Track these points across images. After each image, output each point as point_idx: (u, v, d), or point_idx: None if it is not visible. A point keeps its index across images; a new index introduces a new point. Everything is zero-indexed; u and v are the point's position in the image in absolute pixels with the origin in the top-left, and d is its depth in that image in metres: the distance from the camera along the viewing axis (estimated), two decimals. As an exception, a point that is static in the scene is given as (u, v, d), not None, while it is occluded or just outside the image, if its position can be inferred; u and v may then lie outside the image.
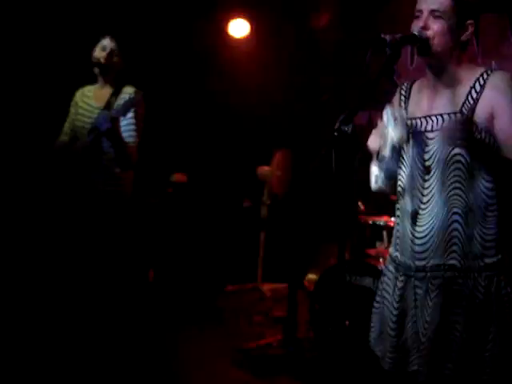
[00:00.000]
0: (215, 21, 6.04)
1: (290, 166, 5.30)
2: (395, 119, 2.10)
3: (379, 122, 2.16)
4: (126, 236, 3.45)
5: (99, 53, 3.41)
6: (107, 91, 3.46)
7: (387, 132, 2.11)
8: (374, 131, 2.24)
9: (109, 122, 3.18)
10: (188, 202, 5.64)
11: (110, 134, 3.23)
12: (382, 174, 2.24)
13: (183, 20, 5.82)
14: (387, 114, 2.12)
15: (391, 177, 2.27)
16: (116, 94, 3.42)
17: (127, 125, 3.36)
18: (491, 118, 2.07)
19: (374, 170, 2.27)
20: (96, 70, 3.45)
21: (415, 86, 2.32)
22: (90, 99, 3.51)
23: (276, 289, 5.42)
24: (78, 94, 3.59)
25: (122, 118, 3.27)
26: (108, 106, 3.39)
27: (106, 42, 3.42)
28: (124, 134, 3.33)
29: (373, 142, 2.24)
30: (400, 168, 2.26)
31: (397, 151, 2.16)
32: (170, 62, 5.35)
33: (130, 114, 3.32)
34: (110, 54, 3.41)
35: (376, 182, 2.27)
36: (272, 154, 5.53)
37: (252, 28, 6.12)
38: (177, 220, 5.49)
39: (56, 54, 4.70)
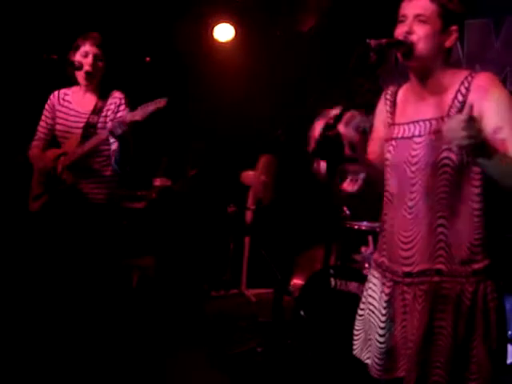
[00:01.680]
0: (200, 25, 6.03)
1: (275, 171, 5.29)
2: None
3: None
4: (111, 240, 3.42)
5: (82, 59, 3.33)
6: (91, 96, 3.41)
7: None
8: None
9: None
10: (172, 207, 5.61)
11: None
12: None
13: (168, 24, 5.81)
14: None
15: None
16: (103, 97, 3.39)
17: None
18: (479, 119, 2.05)
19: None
20: (80, 76, 3.37)
21: (401, 91, 2.31)
22: (71, 103, 3.45)
23: (261, 294, 5.41)
24: (54, 98, 3.50)
25: (111, 120, 3.28)
26: (97, 111, 3.35)
27: (88, 48, 3.34)
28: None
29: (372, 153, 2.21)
30: (387, 173, 2.25)
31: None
32: (154, 66, 5.31)
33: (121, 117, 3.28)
34: (95, 60, 3.35)
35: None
36: (257, 158, 5.51)
37: (237, 32, 6.11)
38: (160, 225, 5.46)
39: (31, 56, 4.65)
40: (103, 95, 3.40)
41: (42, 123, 3.52)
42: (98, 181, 3.36)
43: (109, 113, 3.36)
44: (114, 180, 3.44)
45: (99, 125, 3.34)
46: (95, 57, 3.33)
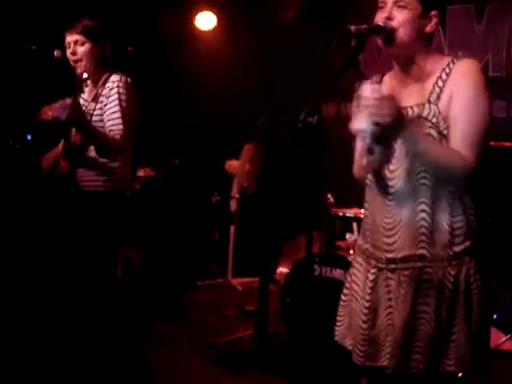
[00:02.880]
0: (182, 13, 6.00)
1: (259, 159, 5.28)
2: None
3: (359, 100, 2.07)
4: (105, 231, 3.35)
5: (67, 51, 3.30)
6: (93, 83, 3.36)
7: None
8: (353, 113, 2.16)
9: (67, 109, 3.06)
10: (156, 196, 5.60)
11: (74, 122, 3.12)
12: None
13: (151, 12, 5.77)
14: (367, 90, 2.00)
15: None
16: (104, 83, 3.31)
17: (111, 112, 3.20)
18: (450, 102, 2.06)
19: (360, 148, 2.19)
20: (76, 70, 3.33)
21: (385, 79, 2.30)
22: (84, 93, 3.42)
23: (246, 283, 5.42)
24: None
25: (105, 106, 3.18)
26: (94, 97, 3.29)
27: (68, 38, 3.29)
28: (108, 123, 3.18)
29: (356, 123, 2.15)
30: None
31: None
32: (136, 55, 5.27)
33: (113, 101, 3.19)
34: (75, 47, 3.30)
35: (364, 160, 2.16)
36: (241, 147, 5.51)
37: (219, 20, 6.09)
38: (144, 215, 5.44)
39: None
40: (104, 81, 3.28)
41: None
42: (95, 168, 3.30)
43: (103, 98, 3.23)
44: (116, 167, 3.36)
45: (95, 112, 3.25)
46: (75, 43, 3.28)
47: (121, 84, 3.21)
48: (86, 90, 3.42)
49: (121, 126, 3.17)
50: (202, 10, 6.09)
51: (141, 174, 5.50)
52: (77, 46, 3.28)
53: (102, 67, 3.32)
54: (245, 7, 6.02)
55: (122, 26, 5.37)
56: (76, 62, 3.28)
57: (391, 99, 1.96)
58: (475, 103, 2.06)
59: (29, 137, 4.58)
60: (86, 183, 3.28)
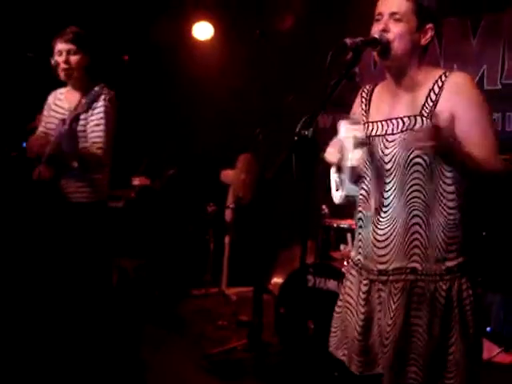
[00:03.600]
0: (179, 23, 6.01)
1: (255, 169, 5.29)
2: (354, 139, 2.08)
3: (336, 137, 2.15)
4: (92, 241, 3.39)
5: (57, 58, 3.35)
6: (77, 92, 3.40)
7: (345, 153, 2.09)
8: (330, 143, 2.22)
9: (66, 123, 3.12)
10: (151, 206, 5.59)
11: (67, 136, 3.16)
12: (345, 182, 2.19)
13: (147, 22, 5.79)
14: (344, 131, 2.10)
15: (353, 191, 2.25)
16: (87, 92, 3.34)
17: (95, 124, 3.29)
18: (452, 119, 2.07)
19: (335, 178, 2.24)
20: (60, 75, 3.38)
21: (377, 90, 2.32)
22: (63, 102, 3.47)
23: (241, 292, 5.41)
24: (51, 97, 3.55)
25: (90, 116, 3.24)
26: (78, 106, 3.32)
27: (60, 46, 3.34)
28: (91, 135, 3.27)
29: (330, 155, 2.20)
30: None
31: (356, 173, 2.14)
32: (133, 65, 5.30)
33: (99, 113, 3.28)
34: (67, 56, 3.34)
35: (338, 189, 2.23)
36: (236, 157, 5.51)
37: (216, 30, 6.11)
38: (140, 224, 5.43)
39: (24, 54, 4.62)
40: (88, 89, 3.35)
41: (41, 123, 3.55)
42: (79, 179, 3.33)
43: (85, 108, 3.25)
44: (101, 179, 3.41)
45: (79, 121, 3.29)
46: (68, 52, 3.33)
47: (107, 97, 3.30)
48: (64, 97, 3.46)
49: (103, 139, 3.28)
50: (198, 21, 6.11)
51: (136, 182, 5.50)
52: (70, 56, 3.33)
53: (88, 77, 3.41)
54: (242, 17, 6.04)
55: (118, 35, 5.40)
56: (67, 70, 3.33)
57: (438, 130, 1.94)
58: (481, 117, 2.09)
59: (24, 144, 4.57)
60: (71, 194, 3.33)
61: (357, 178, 2.16)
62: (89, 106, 3.15)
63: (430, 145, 1.91)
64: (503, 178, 2.10)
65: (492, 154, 2.06)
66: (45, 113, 3.54)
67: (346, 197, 2.19)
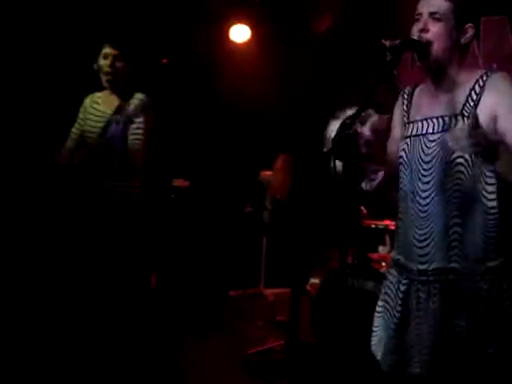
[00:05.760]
0: (217, 26, 6.05)
1: (292, 170, 5.30)
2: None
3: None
4: (133, 241, 3.46)
5: (102, 61, 3.44)
6: (116, 98, 3.49)
7: None
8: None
9: (119, 126, 3.24)
10: (190, 207, 5.64)
11: (118, 138, 3.26)
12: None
13: (184, 26, 5.83)
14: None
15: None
16: (126, 99, 3.45)
17: (135, 129, 3.40)
18: (493, 119, 2.06)
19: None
20: (103, 78, 3.47)
21: (417, 91, 2.32)
22: (100, 105, 3.55)
23: (279, 293, 5.41)
24: (88, 101, 3.62)
25: (130, 120, 3.35)
26: (119, 110, 3.42)
27: (108, 50, 3.44)
28: (130, 138, 3.37)
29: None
30: (401, 171, 2.26)
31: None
32: (173, 68, 5.35)
33: (140, 119, 3.38)
34: (113, 61, 3.43)
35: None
36: (274, 158, 5.52)
37: (253, 33, 6.13)
38: (179, 226, 5.48)
39: (65, 60, 4.71)
40: (127, 96, 3.46)
41: (75, 125, 3.62)
42: (119, 180, 3.42)
43: (130, 112, 3.42)
44: (136, 180, 3.50)
45: (118, 124, 3.39)
46: (114, 58, 3.42)
47: (149, 102, 3.45)
48: (102, 101, 3.55)
49: (142, 144, 3.40)
50: (235, 23, 6.14)
51: (175, 184, 5.55)
52: (116, 62, 3.41)
53: (127, 84, 3.49)
54: (278, 19, 6.06)
55: (156, 39, 5.45)
56: (110, 74, 3.41)
57: (477, 130, 1.95)
58: None
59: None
60: (110, 190, 3.39)
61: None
62: (138, 113, 3.26)
63: (469, 144, 1.90)
64: None
65: None
66: (80, 115, 3.61)
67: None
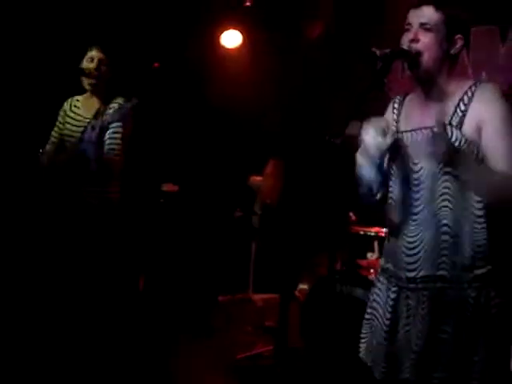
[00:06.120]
0: (207, 31, 6.06)
1: (283, 175, 5.30)
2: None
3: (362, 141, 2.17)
4: (114, 246, 3.46)
5: (87, 64, 3.43)
6: (97, 101, 3.48)
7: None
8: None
9: (95, 131, 3.21)
10: (179, 212, 5.64)
11: (93, 144, 3.24)
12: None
13: (176, 31, 5.84)
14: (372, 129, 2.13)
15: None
16: (106, 103, 3.44)
17: (112, 133, 3.38)
18: (478, 129, 2.08)
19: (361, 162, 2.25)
20: (85, 81, 3.46)
21: (407, 100, 2.34)
22: (79, 109, 3.54)
23: (267, 299, 5.41)
24: (67, 104, 3.62)
25: (108, 123, 3.31)
26: (97, 115, 3.40)
27: (94, 53, 3.44)
28: (106, 143, 3.36)
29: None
30: (391, 180, 2.28)
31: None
32: (164, 73, 5.35)
33: (117, 124, 3.35)
34: (98, 65, 3.42)
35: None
36: (264, 163, 5.53)
37: (244, 38, 6.14)
38: (168, 230, 5.48)
39: (45, 63, 4.69)
40: (107, 100, 3.45)
41: (55, 128, 3.63)
42: (94, 185, 3.42)
43: (107, 117, 3.35)
44: (114, 185, 3.49)
45: (95, 128, 3.36)
46: (100, 61, 3.42)
47: (128, 106, 3.33)
48: (81, 105, 3.55)
49: (120, 148, 3.40)
50: (227, 29, 6.15)
51: (164, 188, 5.55)
52: (102, 65, 3.41)
53: (109, 88, 3.50)
54: (270, 25, 6.07)
55: (148, 43, 5.46)
56: (94, 78, 3.40)
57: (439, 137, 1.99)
58: (508, 129, 2.08)
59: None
60: (88, 195, 3.40)
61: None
62: (115, 118, 3.23)
63: (431, 151, 1.96)
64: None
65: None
66: (60, 119, 3.61)
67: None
